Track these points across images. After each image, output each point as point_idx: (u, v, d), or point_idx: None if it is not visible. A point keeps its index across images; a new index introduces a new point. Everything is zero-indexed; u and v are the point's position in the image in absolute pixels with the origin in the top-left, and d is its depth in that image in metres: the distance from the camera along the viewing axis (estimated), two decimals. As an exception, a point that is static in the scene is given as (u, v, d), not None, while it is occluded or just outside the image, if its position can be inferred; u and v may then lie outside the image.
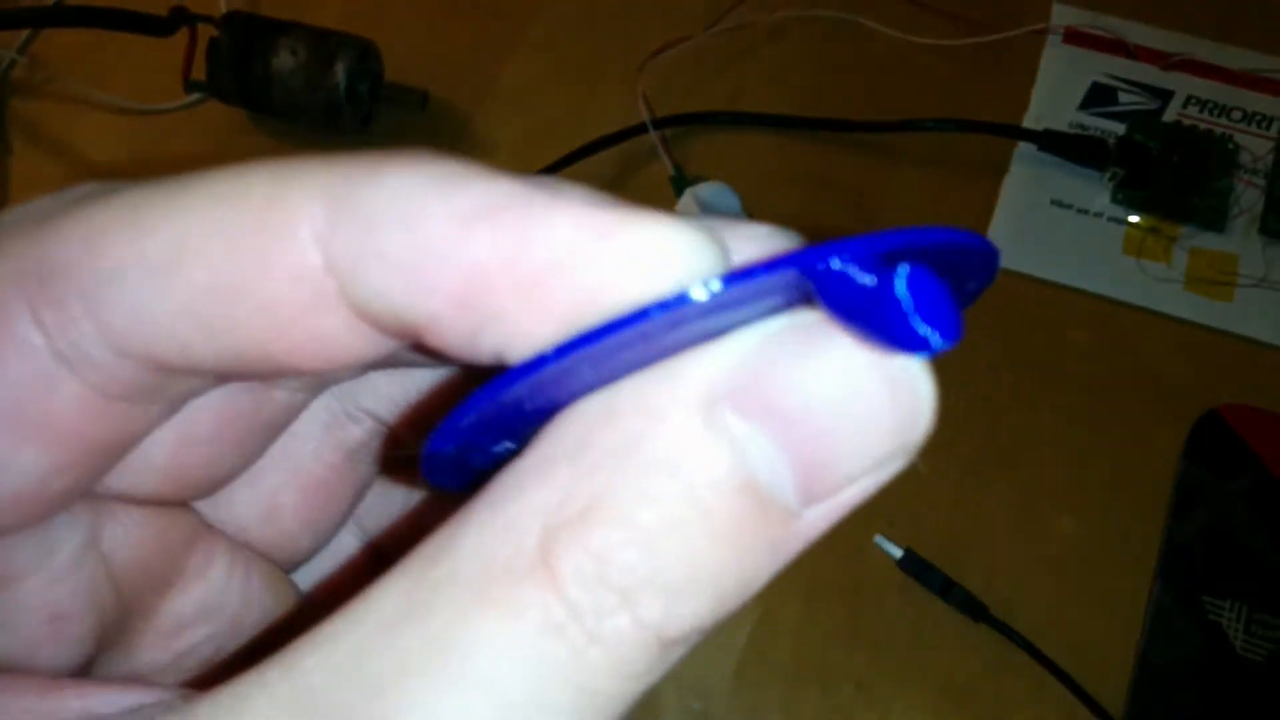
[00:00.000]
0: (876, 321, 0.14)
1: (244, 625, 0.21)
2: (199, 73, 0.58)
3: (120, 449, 0.17)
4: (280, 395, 0.19)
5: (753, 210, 0.55)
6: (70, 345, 0.15)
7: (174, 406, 0.17)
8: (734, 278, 0.13)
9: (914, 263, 0.14)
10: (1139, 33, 0.60)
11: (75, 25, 0.58)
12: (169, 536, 0.20)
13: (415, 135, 0.59)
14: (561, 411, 0.15)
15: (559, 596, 0.13)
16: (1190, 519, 0.49)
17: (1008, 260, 0.55)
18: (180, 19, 0.56)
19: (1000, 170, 0.57)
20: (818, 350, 0.14)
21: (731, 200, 0.55)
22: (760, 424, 0.14)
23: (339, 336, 0.15)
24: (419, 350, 0.16)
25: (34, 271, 0.15)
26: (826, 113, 0.59)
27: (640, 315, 0.14)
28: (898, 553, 0.48)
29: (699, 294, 0.13)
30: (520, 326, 0.14)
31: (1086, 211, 0.56)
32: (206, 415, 0.19)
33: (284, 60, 0.55)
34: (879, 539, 0.49)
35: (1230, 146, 0.57)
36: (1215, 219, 0.55)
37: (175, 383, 0.17)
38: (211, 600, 0.20)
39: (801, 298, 0.15)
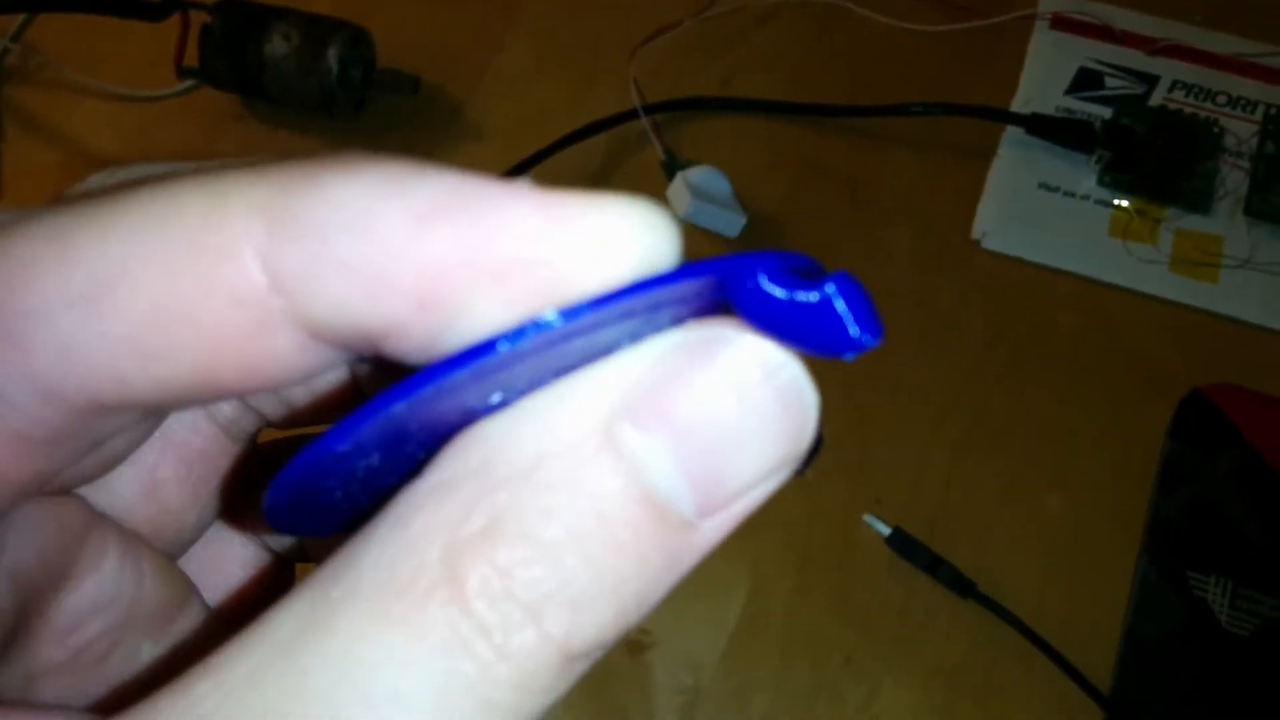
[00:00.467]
0: (814, 332, 0.15)
1: (139, 617, 0.20)
2: (192, 59, 0.58)
3: (37, 486, 0.16)
4: None
5: (744, 194, 0.56)
6: None
7: (99, 444, 0.17)
8: (582, 308, 0.14)
9: (840, 275, 0.15)
10: (1125, 18, 0.61)
11: (68, 11, 0.58)
12: (63, 530, 0.19)
13: (407, 121, 0.60)
14: (458, 434, 0.15)
15: (465, 613, 0.13)
16: (1175, 496, 0.49)
17: (997, 242, 0.56)
18: (172, 5, 0.57)
19: (988, 154, 0.58)
20: (711, 364, 0.14)
21: (722, 184, 0.56)
22: (657, 437, 0.14)
23: (286, 355, 0.15)
24: (364, 359, 0.16)
25: None
26: (817, 98, 0.59)
27: (487, 347, 0.14)
28: (886, 530, 0.49)
29: (551, 318, 0.14)
30: (485, 320, 0.14)
31: (1073, 194, 0.56)
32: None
33: (277, 46, 0.56)
34: (867, 517, 0.49)
35: (1215, 130, 0.57)
36: (1200, 201, 0.55)
37: (104, 421, 0.16)
38: (105, 593, 0.19)
39: (700, 308, 0.15)
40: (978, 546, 0.49)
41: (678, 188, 0.55)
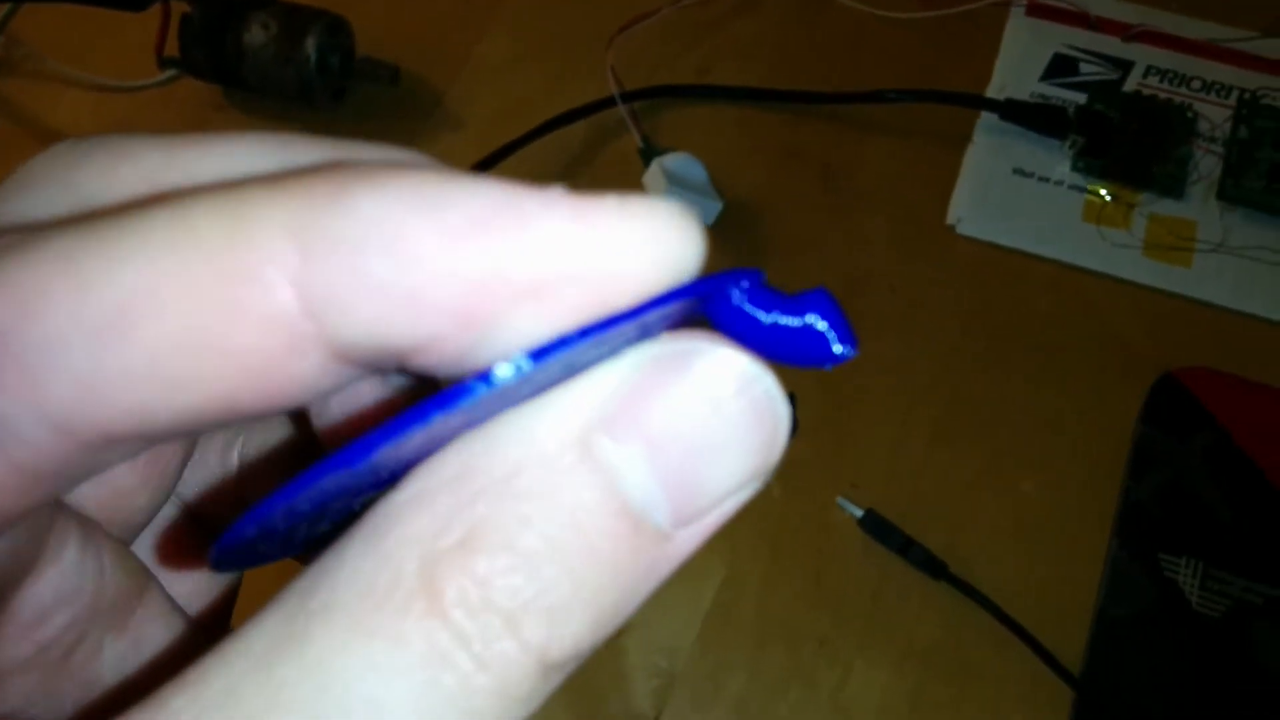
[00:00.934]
0: (797, 349, 0.16)
1: (101, 608, 0.20)
2: (173, 49, 0.58)
3: (23, 516, 0.16)
4: None
5: (720, 181, 0.56)
6: (2, 422, 0.14)
7: (101, 472, 0.16)
8: (543, 352, 0.14)
9: (818, 294, 0.16)
10: (1101, 5, 0.61)
11: (52, 1, 0.59)
12: (26, 523, 0.18)
13: (386, 110, 0.60)
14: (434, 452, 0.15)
15: (444, 623, 0.13)
16: (1147, 479, 0.50)
17: (971, 228, 0.56)
18: (153, -5, 0.57)
19: (963, 140, 0.58)
20: (685, 376, 0.15)
21: (698, 171, 0.56)
22: (633, 449, 0.14)
23: (310, 376, 0.15)
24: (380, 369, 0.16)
25: None
26: (794, 85, 0.60)
27: (454, 396, 0.14)
28: (859, 513, 0.49)
29: (504, 373, 0.14)
30: (525, 331, 0.14)
31: (1047, 179, 0.56)
32: None
33: (255, 35, 0.56)
34: (841, 500, 0.50)
35: (1189, 115, 0.58)
36: (1174, 186, 0.56)
37: (111, 453, 0.15)
38: (68, 584, 0.19)
39: (675, 320, 0.16)
40: (951, 529, 0.50)
41: (654, 174, 0.55)
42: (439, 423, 0.14)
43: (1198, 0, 0.61)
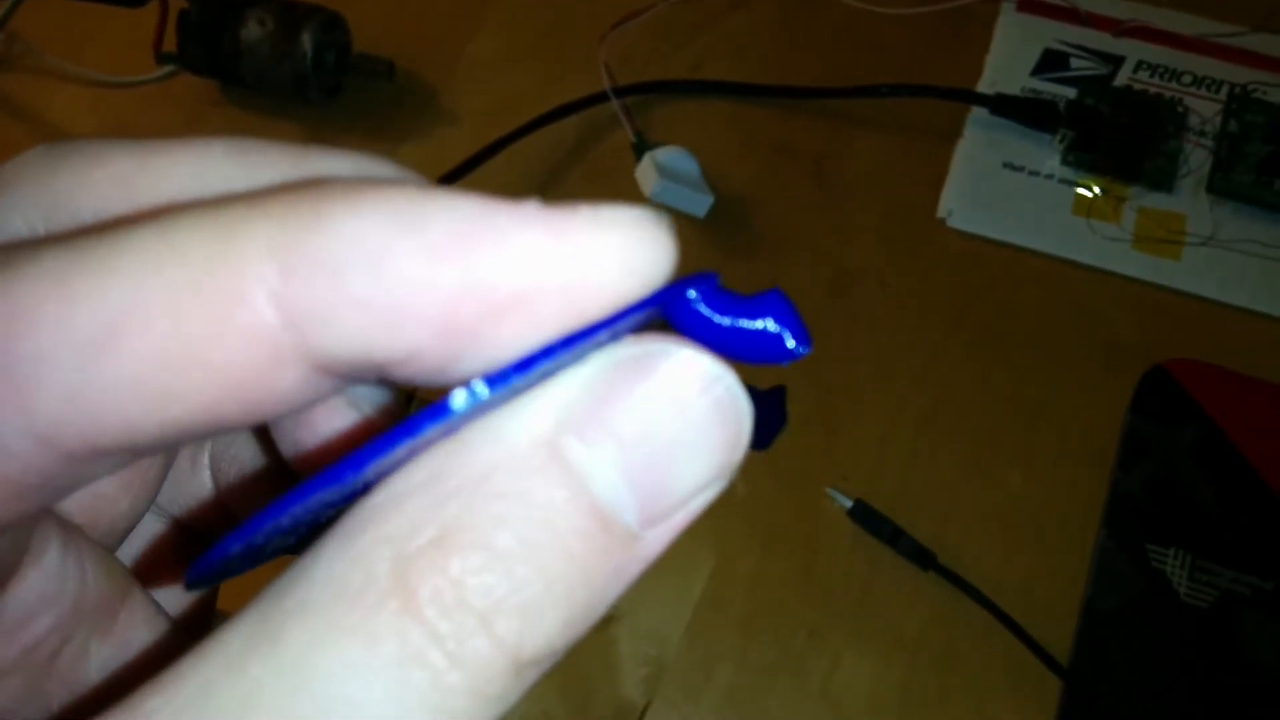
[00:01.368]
0: (755, 347, 0.16)
1: (84, 612, 0.20)
2: (170, 45, 0.59)
3: (17, 524, 0.16)
4: None
5: (712, 175, 0.57)
6: None
7: (86, 485, 0.17)
8: (500, 377, 0.14)
9: (772, 295, 0.16)
10: (1091, 0, 0.61)
11: (49, -2, 0.59)
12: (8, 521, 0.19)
13: (381, 106, 0.61)
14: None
15: (417, 621, 0.13)
16: (1136, 470, 0.50)
17: (962, 222, 0.56)
18: (151, -9, 0.58)
19: (954, 135, 0.58)
20: (650, 378, 0.15)
21: (690, 165, 0.56)
22: (601, 450, 0.15)
23: (292, 389, 0.15)
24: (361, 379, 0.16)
25: None
26: (786, 80, 0.60)
27: (412, 427, 0.14)
28: (848, 503, 0.49)
29: (459, 402, 0.14)
30: (505, 343, 0.15)
31: (1038, 173, 0.57)
32: None
33: (251, 31, 0.57)
34: (830, 490, 0.50)
35: (1179, 110, 0.58)
36: (1164, 180, 0.56)
37: (97, 465, 0.16)
38: (51, 587, 0.19)
39: (638, 323, 0.16)
40: (940, 520, 0.50)
41: (646, 167, 0.56)
42: (403, 448, 0.14)
43: (1188, -5, 0.61)
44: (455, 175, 0.56)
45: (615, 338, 0.16)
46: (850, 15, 0.62)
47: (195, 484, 0.24)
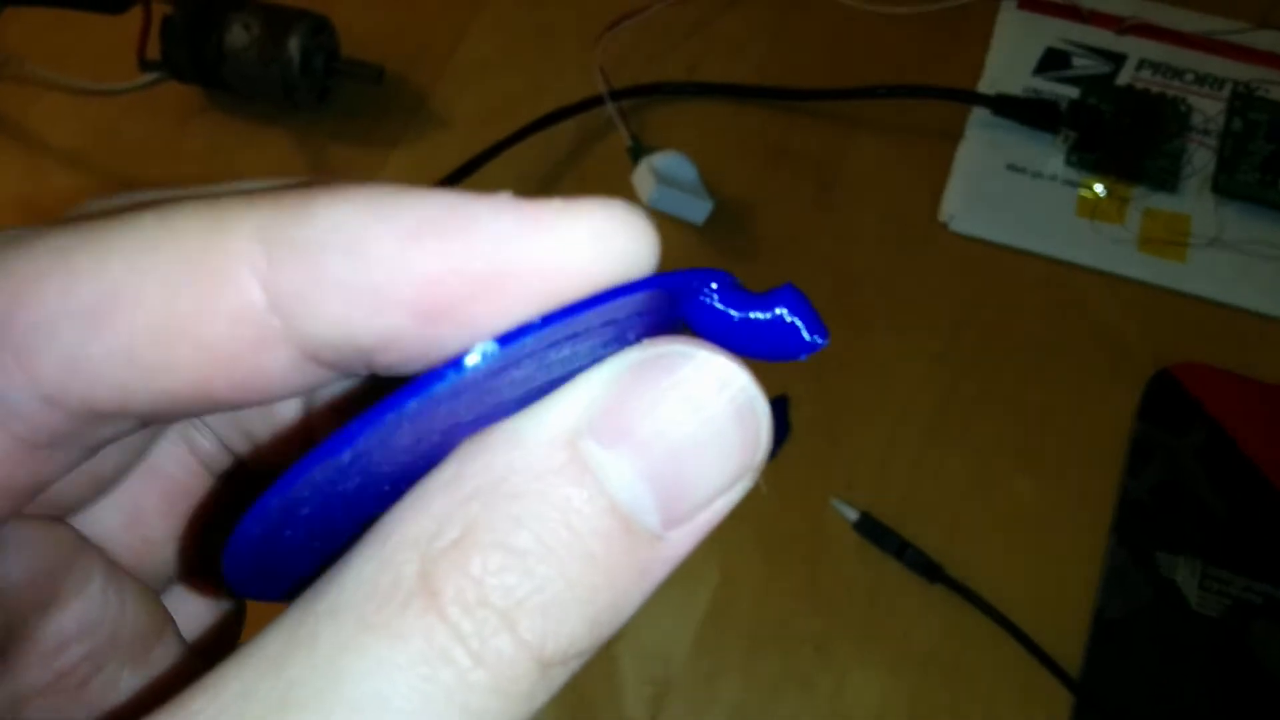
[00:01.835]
0: (771, 343, 0.16)
1: (120, 644, 0.21)
2: (155, 52, 0.58)
3: (35, 492, 0.17)
4: None
5: (710, 179, 0.56)
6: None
7: (96, 450, 0.17)
8: (509, 337, 0.15)
9: (786, 289, 0.17)
10: (1093, -3, 0.60)
11: (32, 5, 0.58)
12: (52, 552, 0.20)
13: (371, 111, 0.59)
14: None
15: (442, 620, 0.14)
16: (1144, 476, 0.49)
17: (964, 225, 0.55)
18: (133, -3, 0.56)
19: (955, 136, 0.57)
20: (668, 380, 0.15)
21: (688, 170, 0.55)
22: (619, 451, 0.15)
23: (280, 371, 0.16)
24: (348, 372, 0.17)
25: None
26: (783, 82, 0.59)
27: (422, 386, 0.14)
28: (854, 515, 0.49)
29: (473, 359, 0.14)
30: (480, 324, 0.15)
31: (1041, 175, 0.56)
32: None
33: (237, 36, 0.55)
34: (835, 502, 0.49)
35: (1182, 108, 0.57)
36: (1168, 180, 0.55)
37: (102, 428, 0.16)
38: (90, 617, 0.20)
39: (656, 324, 0.16)
40: (947, 530, 0.49)
41: (643, 173, 0.55)
42: (418, 412, 0.14)
43: (1190, -8, 0.60)
44: (448, 182, 0.55)
45: (627, 337, 0.16)
46: (848, 14, 0.61)
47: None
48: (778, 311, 0.16)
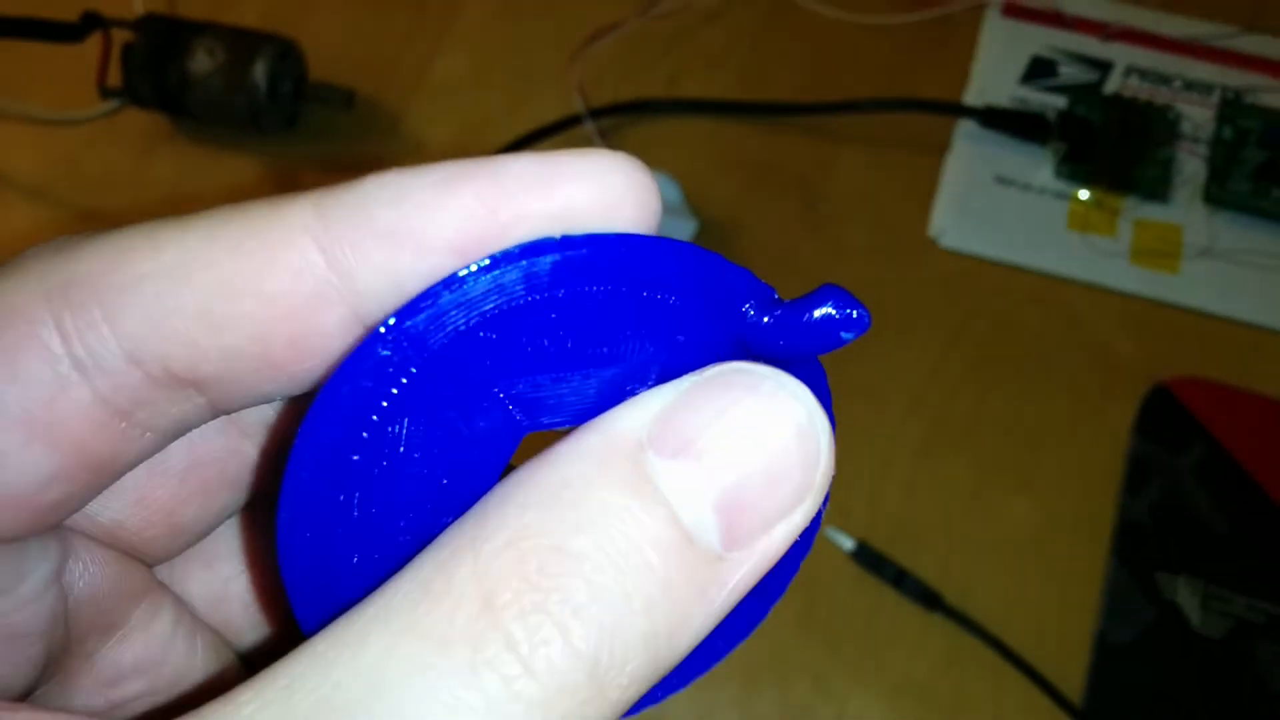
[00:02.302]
0: (818, 339, 0.17)
1: (183, 687, 0.21)
2: (116, 79, 0.56)
3: (113, 470, 0.18)
4: (248, 449, 0.21)
5: (694, 199, 0.54)
6: (86, 351, 0.16)
7: (166, 437, 0.18)
8: (502, 256, 0.16)
9: (827, 289, 0.18)
10: (1078, 3, 0.59)
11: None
12: (122, 583, 0.20)
13: (342, 135, 0.58)
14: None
15: (494, 625, 0.14)
16: (1143, 495, 0.48)
17: (954, 241, 0.54)
18: (91, 24, 0.54)
19: (942, 148, 0.56)
20: (731, 396, 0.16)
21: (671, 191, 0.54)
22: (682, 465, 0.15)
23: (334, 330, 0.17)
24: None
25: (60, 285, 0.16)
26: (766, 96, 0.58)
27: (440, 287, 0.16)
28: (850, 544, 0.48)
29: (465, 271, 0.16)
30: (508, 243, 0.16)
31: (1030, 187, 0.55)
32: (179, 449, 0.20)
33: (201, 62, 0.53)
34: (831, 531, 0.48)
35: (1171, 116, 0.56)
36: (1158, 190, 0.54)
37: (174, 402, 0.17)
38: (152, 655, 0.20)
39: (712, 345, 0.17)
40: (944, 555, 0.48)
41: (624, 196, 0.53)
42: (450, 300, 0.16)
43: (1175, -4, 0.59)
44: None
45: (701, 363, 0.17)
46: (829, 26, 0.59)
47: None
48: (822, 311, 0.17)
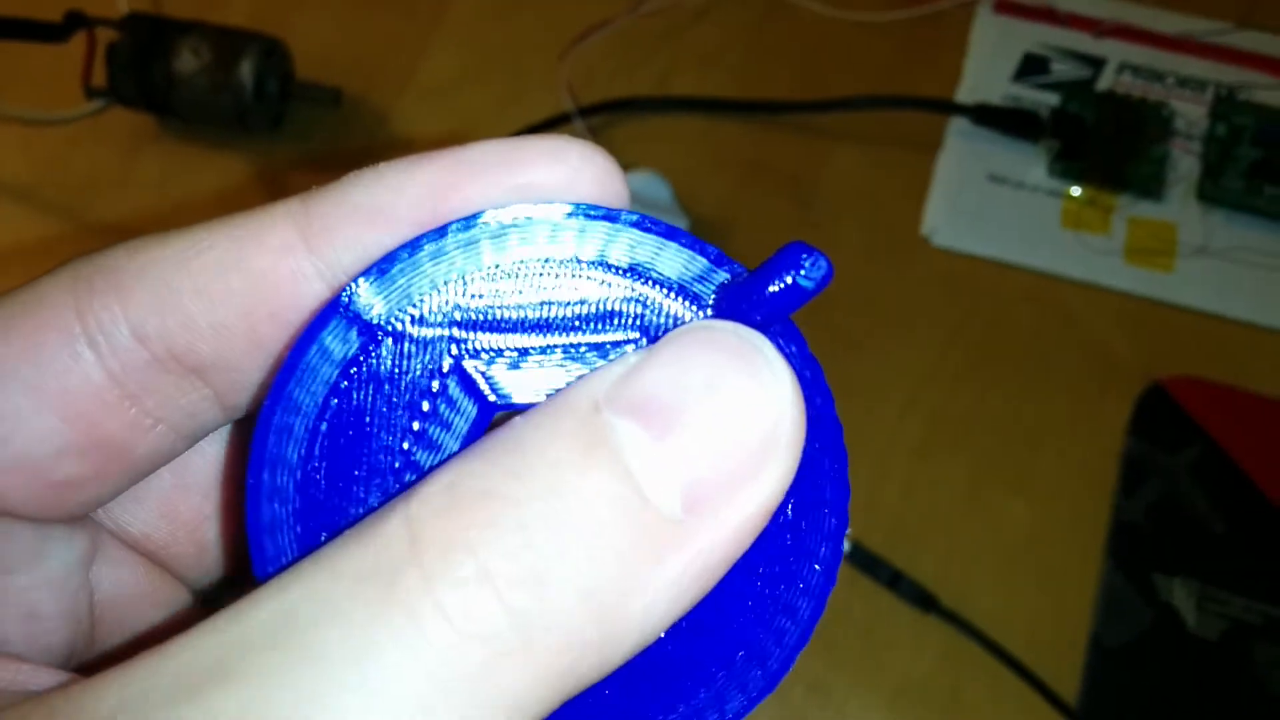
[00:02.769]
0: (792, 300, 0.17)
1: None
2: (100, 79, 0.55)
3: (130, 461, 0.19)
4: None
5: (685, 198, 0.54)
6: (99, 328, 0.18)
7: (180, 435, 0.19)
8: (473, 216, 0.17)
9: (794, 245, 0.17)
10: (1070, 0, 0.59)
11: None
12: (151, 593, 0.21)
13: (329, 134, 0.57)
14: None
15: (414, 562, 0.13)
16: (1138, 495, 0.48)
17: (947, 239, 0.54)
18: (75, 23, 0.53)
19: (935, 146, 0.56)
20: (687, 352, 0.15)
21: (662, 190, 0.53)
22: (638, 423, 0.15)
23: (311, 307, 0.18)
24: None
25: (85, 276, 0.18)
26: (757, 94, 0.57)
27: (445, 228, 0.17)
28: (845, 546, 0.47)
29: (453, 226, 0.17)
30: (476, 203, 0.17)
31: (1023, 185, 0.55)
32: (200, 463, 0.21)
33: (186, 61, 0.53)
34: (825, 534, 0.48)
35: (1165, 113, 0.56)
36: (1152, 187, 0.54)
37: (180, 390, 0.19)
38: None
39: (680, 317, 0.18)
40: (940, 556, 0.48)
41: (615, 196, 0.53)
42: (429, 254, 0.17)
43: (1168, -8, 0.59)
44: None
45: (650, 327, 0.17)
46: (820, 24, 0.59)
47: None
48: (782, 282, 0.17)
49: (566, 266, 0.17)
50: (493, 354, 0.17)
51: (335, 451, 0.17)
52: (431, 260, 0.17)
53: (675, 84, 0.58)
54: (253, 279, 0.18)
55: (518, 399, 0.17)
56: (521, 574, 0.13)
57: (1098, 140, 0.54)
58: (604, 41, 0.58)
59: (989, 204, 0.54)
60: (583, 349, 0.17)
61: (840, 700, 0.45)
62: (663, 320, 0.17)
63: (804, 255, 0.17)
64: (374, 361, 0.17)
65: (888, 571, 0.47)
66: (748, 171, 0.56)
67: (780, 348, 0.16)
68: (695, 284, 0.18)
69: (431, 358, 0.17)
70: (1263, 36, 0.57)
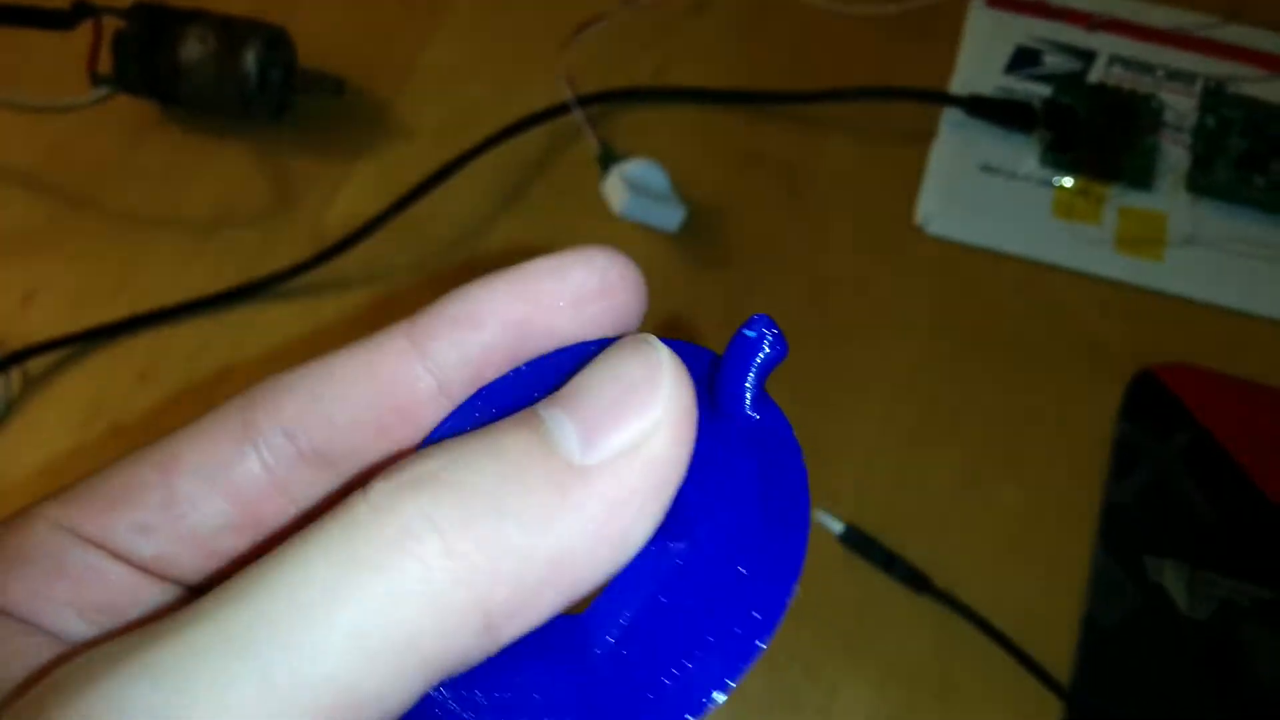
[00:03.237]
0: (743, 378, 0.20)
1: None
2: (106, 66, 0.56)
3: (268, 535, 0.22)
4: None
5: (681, 185, 0.55)
6: (260, 433, 0.21)
7: (303, 519, 0.22)
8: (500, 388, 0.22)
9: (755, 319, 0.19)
10: (1062, -7, 0.60)
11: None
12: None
13: (332, 123, 0.58)
14: None
15: (365, 500, 0.16)
16: (1129, 480, 0.49)
17: (940, 228, 0.54)
18: (82, 11, 0.54)
19: (928, 137, 0.56)
20: (605, 358, 0.18)
21: (659, 178, 0.54)
22: (558, 404, 0.18)
23: (424, 400, 0.21)
24: None
25: (250, 393, 0.22)
26: (753, 85, 0.58)
27: None
28: (839, 528, 0.48)
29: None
30: (552, 333, 0.21)
31: (1015, 175, 0.55)
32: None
33: (192, 49, 0.54)
34: (819, 514, 0.48)
35: (1155, 105, 0.57)
36: (1142, 178, 0.55)
37: (316, 479, 0.22)
38: None
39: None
40: (933, 539, 0.48)
41: (613, 182, 0.54)
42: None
43: (1159, -14, 0.60)
44: (414, 195, 0.54)
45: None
46: (815, 15, 0.60)
47: None
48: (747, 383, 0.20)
49: None
50: None
51: None
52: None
53: (673, 74, 0.59)
54: (379, 381, 0.21)
55: None
56: (434, 493, 0.16)
57: (1089, 131, 0.55)
58: (602, 33, 0.59)
59: (982, 194, 0.55)
60: None
61: (832, 679, 0.46)
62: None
63: (763, 328, 0.19)
64: None
65: (881, 552, 0.47)
66: (743, 161, 0.57)
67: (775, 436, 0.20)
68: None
69: None
70: (1251, 30, 0.58)
